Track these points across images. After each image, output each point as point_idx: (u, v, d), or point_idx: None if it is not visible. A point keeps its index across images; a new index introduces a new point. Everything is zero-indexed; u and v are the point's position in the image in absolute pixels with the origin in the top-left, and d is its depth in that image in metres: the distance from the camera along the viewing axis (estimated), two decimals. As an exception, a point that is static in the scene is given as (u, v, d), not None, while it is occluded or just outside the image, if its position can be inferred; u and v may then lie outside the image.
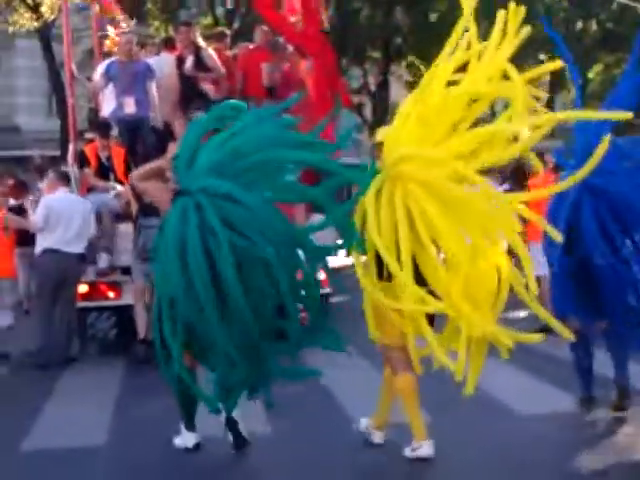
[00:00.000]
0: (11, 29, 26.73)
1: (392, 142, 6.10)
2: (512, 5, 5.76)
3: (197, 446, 6.44)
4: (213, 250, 5.50)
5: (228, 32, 12.56)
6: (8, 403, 8.31)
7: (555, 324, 5.74)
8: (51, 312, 9.75)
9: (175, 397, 6.42)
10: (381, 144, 6.31)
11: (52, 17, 26.04)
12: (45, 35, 26.91)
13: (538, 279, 9.02)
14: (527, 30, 5.72)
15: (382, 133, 6.50)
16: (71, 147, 11.31)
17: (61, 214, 9.65)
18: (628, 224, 6.81)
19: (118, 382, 8.94)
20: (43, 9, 25.68)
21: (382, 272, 5.95)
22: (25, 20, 26.06)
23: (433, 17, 32.82)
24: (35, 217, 9.94)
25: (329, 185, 6.01)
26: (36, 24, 26.00)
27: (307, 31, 11.38)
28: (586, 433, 6.90)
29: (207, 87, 11.02)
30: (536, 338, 5.72)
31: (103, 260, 10.02)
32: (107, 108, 10.78)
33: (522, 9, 5.79)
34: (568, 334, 5.82)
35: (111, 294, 10.11)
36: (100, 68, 10.95)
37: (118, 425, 7.34)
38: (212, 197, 5.60)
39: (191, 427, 6.47)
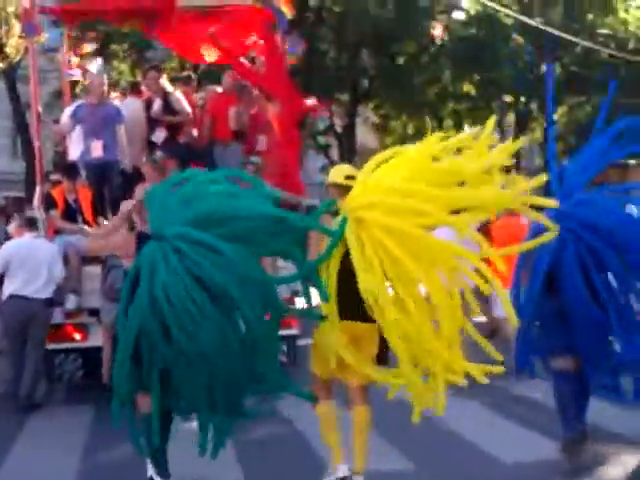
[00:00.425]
0: None
1: (364, 187, 6.22)
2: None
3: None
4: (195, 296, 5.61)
5: (194, 76, 12.65)
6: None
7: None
8: (20, 355, 9.75)
9: (144, 443, 6.36)
10: (335, 185, 6.56)
11: (17, 58, 26.09)
12: (10, 76, 26.90)
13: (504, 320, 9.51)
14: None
15: (336, 174, 6.68)
16: (38, 189, 11.31)
17: (24, 260, 9.67)
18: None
19: (86, 426, 8.87)
20: (8, 50, 25.72)
21: (345, 313, 6.08)
22: (-10, 61, 26.10)
23: (400, 60, 33.23)
24: None
25: (296, 237, 6.14)
26: (1, 65, 26.00)
27: (272, 74, 11.53)
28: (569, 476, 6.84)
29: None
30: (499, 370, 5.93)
31: (71, 301, 10.04)
32: (74, 151, 10.89)
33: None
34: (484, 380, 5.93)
35: (77, 336, 10.13)
36: (68, 110, 11.06)
37: (86, 471, 7.27)
38: (190, 244, 5.70)
39: (163, 474, 6.38)
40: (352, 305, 6.00)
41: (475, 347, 6.84)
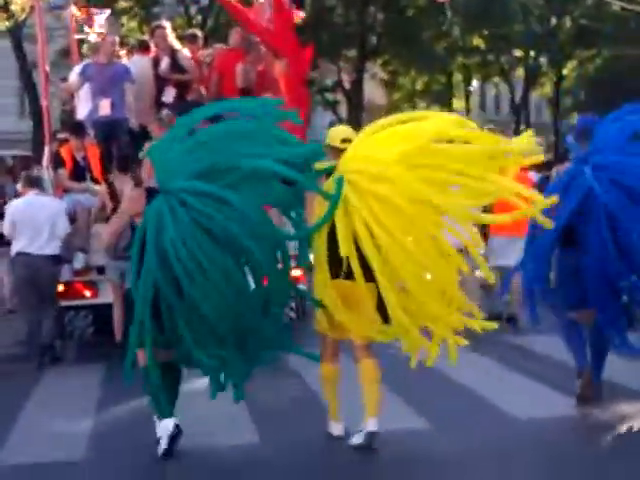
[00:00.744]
0: None
1: (363, 150, 6.36)
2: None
3: (177, 427, 6.39)
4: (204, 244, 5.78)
5: (200, 34, 12.65)
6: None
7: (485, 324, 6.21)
8: (34, 313, 9.91)
9: (146, 390, 6.55)
10: (332, 148, 6.65)
11: (23, 16, 26.12)
12: (16, 35, 27.04)
13: (504, 268, 9.67)
14: None
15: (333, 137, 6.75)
16: (46, 149, 11.44)
17: (28, 218, 9.78)
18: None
19: (98, 383, 8.91)
20: (13, 8, 25.73)
21: (336, 272, 6.22)
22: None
23: (409, 13, 33.07)
24: (3, 226, 10.11)
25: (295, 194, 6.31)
26: (7, 23, 26.03)
27: (279, 31, 11.53)
28: (585, 436, 6.80)
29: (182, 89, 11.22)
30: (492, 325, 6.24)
31: (79, 260, 10.17)
32: (82, 110, 10.95)
33: None
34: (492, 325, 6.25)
35: (87, 293, 10.26)
36: (76, 68, 11.11)
37: (98, 430, 7.25)
38: (197, 196, 5.83)
39: (167, 414, 6.46)
40: (342, 264, 6.15)
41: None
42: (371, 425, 6.34)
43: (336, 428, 6.64)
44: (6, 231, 9.98)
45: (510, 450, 6.42)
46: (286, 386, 8.31)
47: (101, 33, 12.37)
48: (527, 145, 6.28)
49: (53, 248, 9.84)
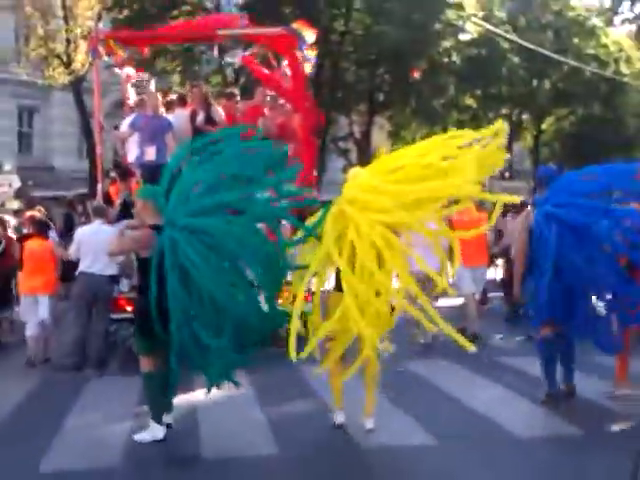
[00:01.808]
0: (48, 82, 27.06)
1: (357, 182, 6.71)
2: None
3: (164, 439, 6.66)
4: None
5: (237, 92, 12.94)
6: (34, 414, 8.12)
7: (457, 337, 6.31)
8: (86, 324, 10.10)
9: (146, 395, 6.88)
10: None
11: (83, 72, 26.51)
12: (77, 88, 27.25)
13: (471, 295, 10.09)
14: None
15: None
16: (99, 187, 11.77)
17: (91, 242, 10.00)
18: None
19: (137, 392, 8.47)
20: (75, 66, 26.13)
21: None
22: (59, 74, 26.38)
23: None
24: (71, 248, 10.34)
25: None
26: (69, 78, 26.42)
27: (295, 90, 11.83)
28: (586, 455, 6.43)
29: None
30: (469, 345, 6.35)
31: (124, 284, 10.43)
32: (132, 154, 11.27)
33: None
34: (469, 345, 6.32)
35: (129, 308, 10.49)
36: (127, 120, 11.44)
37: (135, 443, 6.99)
38: (192, 233, 6.37)
39: (160, 421, 6.77)
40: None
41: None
42: (369, 423, 6.95)
43: (340, 417, 7.04)
44: (72, 253, 10.20)
45: (512, 468, 6.21)
46: (304, 402, 8.07)
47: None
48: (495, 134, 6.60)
49: (112, 269, 10.08)
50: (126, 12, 27.61)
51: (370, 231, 6.24)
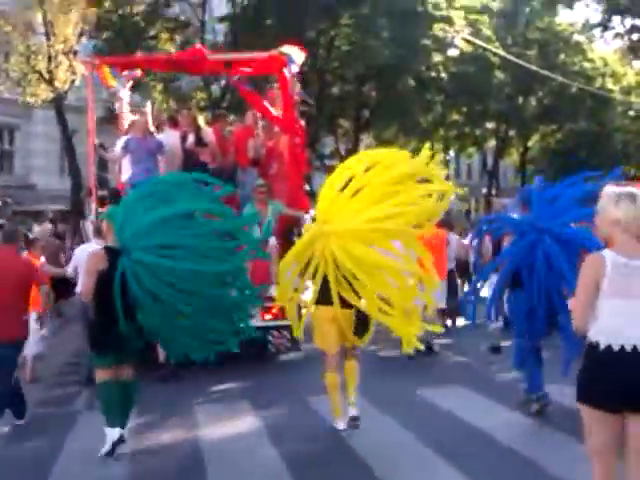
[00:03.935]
0: (29, 99, 27.32)
1: (324, 203, 7.54)
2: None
3: (122, 436, 7.18)
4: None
5: (227, 114, 13.60)
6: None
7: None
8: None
9: (100, 403, 7.39)
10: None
11: (65, 89, 26.97)
12: (59, 105, 27.50)
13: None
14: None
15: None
16: (93, 205, 12.38)
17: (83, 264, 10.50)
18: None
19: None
20: (57, 84, 26.56)
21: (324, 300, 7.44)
22: (41, 91, 26.73)
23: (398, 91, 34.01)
24: (69, 267, 10.83)
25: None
26: (51, 95, 26.82)
27: (284, 113, 12.47)
28: None
29: (206, 159, 12.18)
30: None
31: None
32: (125, 175, 11.93)
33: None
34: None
35: None
36: (120, 142, 12.07)
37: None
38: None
39: (113, 425, 7.27)
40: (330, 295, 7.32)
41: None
42: (353, 411, 7.61)
43: (340, 424, 7.71)
44: (68, 273, 10.68)
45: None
46: (323, 440, 7.72)
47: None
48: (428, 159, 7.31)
49: None
50: (108, 33, 28.19)
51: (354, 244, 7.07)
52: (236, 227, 7.59)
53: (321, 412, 8.30)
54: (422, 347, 8.04)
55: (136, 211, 7.17)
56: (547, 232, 7.92)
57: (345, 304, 7.37)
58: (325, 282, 7.30)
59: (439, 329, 9.00)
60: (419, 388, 9.53)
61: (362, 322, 7.62)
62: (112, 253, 7.08)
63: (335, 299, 7.26)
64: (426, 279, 7.34)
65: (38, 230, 16.94)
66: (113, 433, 7.22)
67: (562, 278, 7.72)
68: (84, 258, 10.42)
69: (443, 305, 12.41)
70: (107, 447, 7.17)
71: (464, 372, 10.75)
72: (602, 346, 4.39)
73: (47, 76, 26.57)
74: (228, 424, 8.30)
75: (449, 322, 14.51)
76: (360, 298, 7.35)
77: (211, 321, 7.21)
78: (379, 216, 7.07)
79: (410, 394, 9.26)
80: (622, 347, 4.34)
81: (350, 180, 7.36)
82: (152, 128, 12.48)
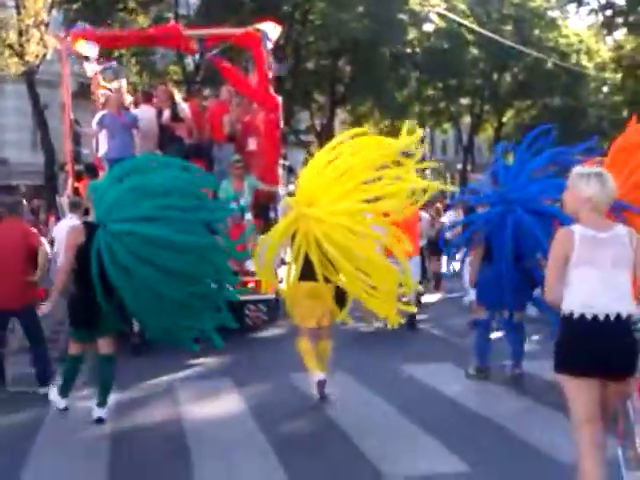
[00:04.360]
0: (0, 74, 27.21)
1: (307, 185, 7.69)
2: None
3: (66, 409, 7.52)
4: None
5: (202, 89, 13.68)
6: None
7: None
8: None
9: (64, 372, 7.62)
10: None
11: (36, 62, 26.79)
12: (30, 79, 27.29)
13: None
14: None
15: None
16: (69, 181, 12.46)
17: (61, 239, 10.56)
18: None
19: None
20: (28, 57, 26.36)
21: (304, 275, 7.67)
22: (12, 64, 26.42)
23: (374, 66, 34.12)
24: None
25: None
26: (22, 68, 26.65)
27: (259, 87, 12.58)
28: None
29: (182, 134, 12.29)
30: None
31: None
32: (101, 151, 12.05)
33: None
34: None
35: None
36: (96, 118, 12.16)
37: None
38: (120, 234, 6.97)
39: (65, 395, 7.59)
40: (312, 271, 7.51)
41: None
42: (322, 375, 7.80)
43: (318, 376, 7.79)
44: (48, 249, 10.71)
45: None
46: (308, 418, 7.61)
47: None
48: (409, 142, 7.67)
49: None
50: (78, 5, 28.05)
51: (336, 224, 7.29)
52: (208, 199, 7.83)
53: (303, 388, 8.21)
54: (403, 320, 8.31)
55: (113, 185, 7.27)
56: (517, 203, 8.16)
57: (325, 279, 7.60)
58: (307, 260, 7.48)
59: (414, 309, 9.48)
60: (403, 364, 9.62)
61: (340, 297, 7.87)
62: (90, 227, 7.14)
63: (320, 277, 7.46)
64: (399, 256, 7.62)
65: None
66: (60, 403, 7.57)
67: (537, 246, 7.93)
68: (63, 236, 10.63)
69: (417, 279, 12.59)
70: (52, 399, 7.64)
71: (444, 347, 11.01)
72: (575, 315, 4.56)
73: (18, 50, 26.30)
74: (210, 403, 8.20)
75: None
76: (339, 275, 7.56)
77: (189, 301, 7.26)
78: (361, 201, 7.38)
79: (393, 370, 9.36)
80: (595, 316, 4.51)
81: (333, 161, 7.56)
82: (128, 103, 12.60)
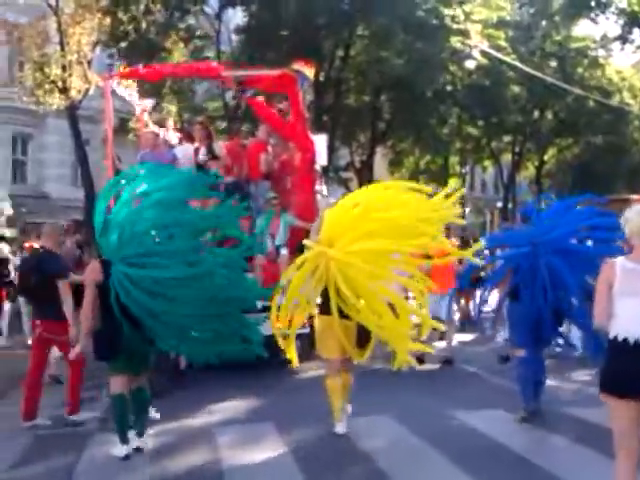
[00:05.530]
0: (43, 108, 27.87)
1: (333, 223, 7.88)
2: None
3: (127, 457, 7.34)
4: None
5: (244, 126, 13.99)
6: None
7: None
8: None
9: (114, 415, 7.58)
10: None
11: (79, 98, 27.44)
12: (72, 114, 27.88)
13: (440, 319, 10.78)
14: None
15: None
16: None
17: None
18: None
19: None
20: (70, 93, 27.00)
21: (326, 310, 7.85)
22: (55, 100, 27.06)
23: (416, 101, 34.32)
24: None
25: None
26: (65, 103, 27.10)
27: (296, 129, 12.91)
28: None
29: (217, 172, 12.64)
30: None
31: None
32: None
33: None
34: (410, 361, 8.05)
35: None
36: (138, 157, 12.54)
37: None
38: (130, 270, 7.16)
39: (125, 441, 7.50)
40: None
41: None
42: (341, 429, 8.15)
43: (340, 428, 8.16)
44: None
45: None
46: (350, 465, 7.44)
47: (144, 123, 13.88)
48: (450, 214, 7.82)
49: None
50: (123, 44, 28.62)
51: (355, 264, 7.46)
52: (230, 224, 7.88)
53: (347, 435, 8.18)
54: (413, 362, 8.35)
55: (118, 217, 7.39)
56: (542, 245, 8.34)
57: (346, 316, 7.79)
58: (327, 294, 7.69)
59: (432, 351, 9.54)
60: (436, 402, 9.74)
61: (363, 335, 8.05)
62: (106, 264, 7.34)
63: (334, 312, 7.63)
64: (417, 295, 7.88)
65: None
66: (120, 451, 7.43)
67: (565, 287, 8.14)
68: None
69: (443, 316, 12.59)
70: (114, 453, 7.47)
71: (476, 381, 11.21)
72: (619, 340, 5.08)
73: (61, 84, 26.93)
74: (250, 447, 7.96)
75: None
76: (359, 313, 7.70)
77: (213, 325, 7.44)
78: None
79: (429, 408, 9.44)
80: (636, 341, 5.01)
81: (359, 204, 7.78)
82: (175, 140, 13.05)
